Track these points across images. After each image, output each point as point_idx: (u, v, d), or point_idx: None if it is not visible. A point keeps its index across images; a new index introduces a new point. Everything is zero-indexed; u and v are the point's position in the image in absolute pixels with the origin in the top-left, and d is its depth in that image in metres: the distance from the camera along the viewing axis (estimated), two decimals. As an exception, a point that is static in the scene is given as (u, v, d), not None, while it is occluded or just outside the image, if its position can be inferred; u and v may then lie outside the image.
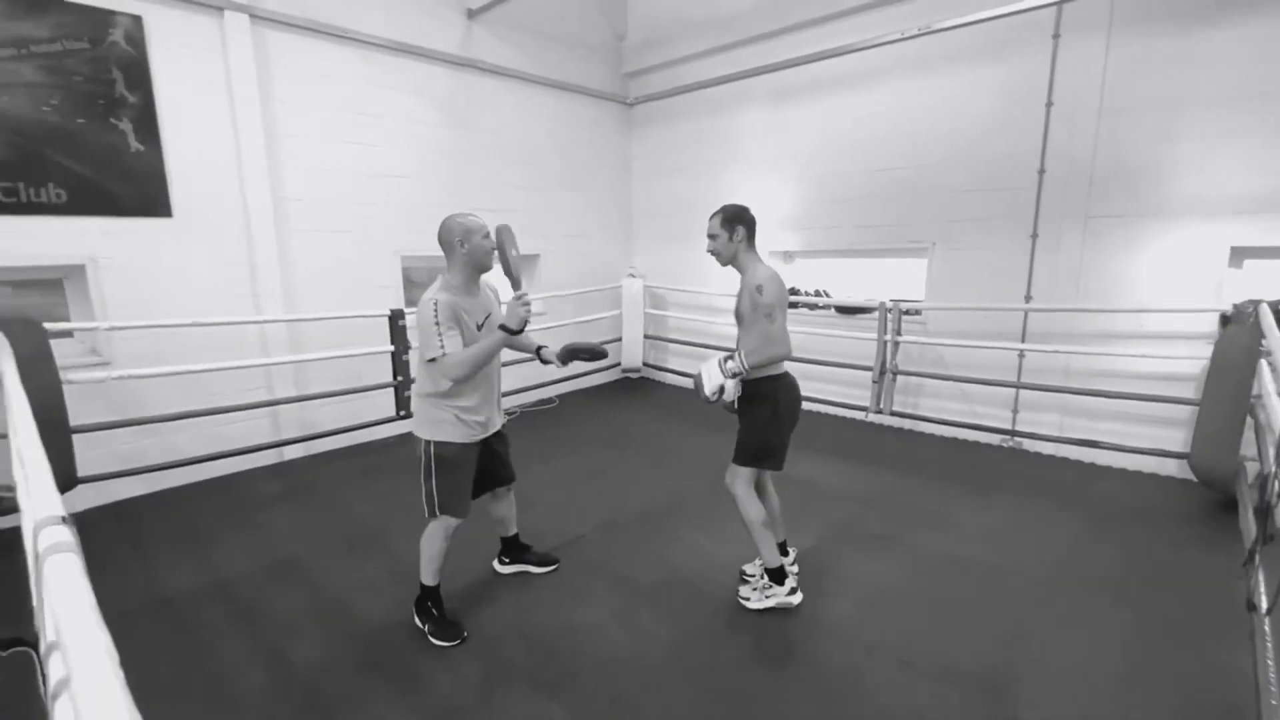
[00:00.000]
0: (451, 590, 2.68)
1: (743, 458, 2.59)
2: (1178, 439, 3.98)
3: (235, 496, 3.98)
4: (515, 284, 2.33)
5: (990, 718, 2.06)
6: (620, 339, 6.59)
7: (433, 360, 2.28)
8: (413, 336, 4.57)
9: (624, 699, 2.17)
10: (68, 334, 3.72)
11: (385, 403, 4.76)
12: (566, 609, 2.70)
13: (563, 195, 6.41)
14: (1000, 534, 3.33)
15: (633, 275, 6.62)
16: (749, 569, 2.87)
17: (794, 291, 5.75)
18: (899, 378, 4.96)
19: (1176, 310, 3.92)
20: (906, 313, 4.91)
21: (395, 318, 4.60)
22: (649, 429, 5.35)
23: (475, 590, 2.84)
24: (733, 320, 2.62)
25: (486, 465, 2.61)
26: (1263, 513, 2.23)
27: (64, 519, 0.95)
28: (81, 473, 3.37)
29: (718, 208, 2.56)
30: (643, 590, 2.84)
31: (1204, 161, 3.77)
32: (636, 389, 6.82)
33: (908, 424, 5.17)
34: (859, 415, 5.35)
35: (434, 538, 2.50)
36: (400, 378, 4.64)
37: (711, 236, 2.54)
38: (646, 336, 6.75)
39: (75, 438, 3.33)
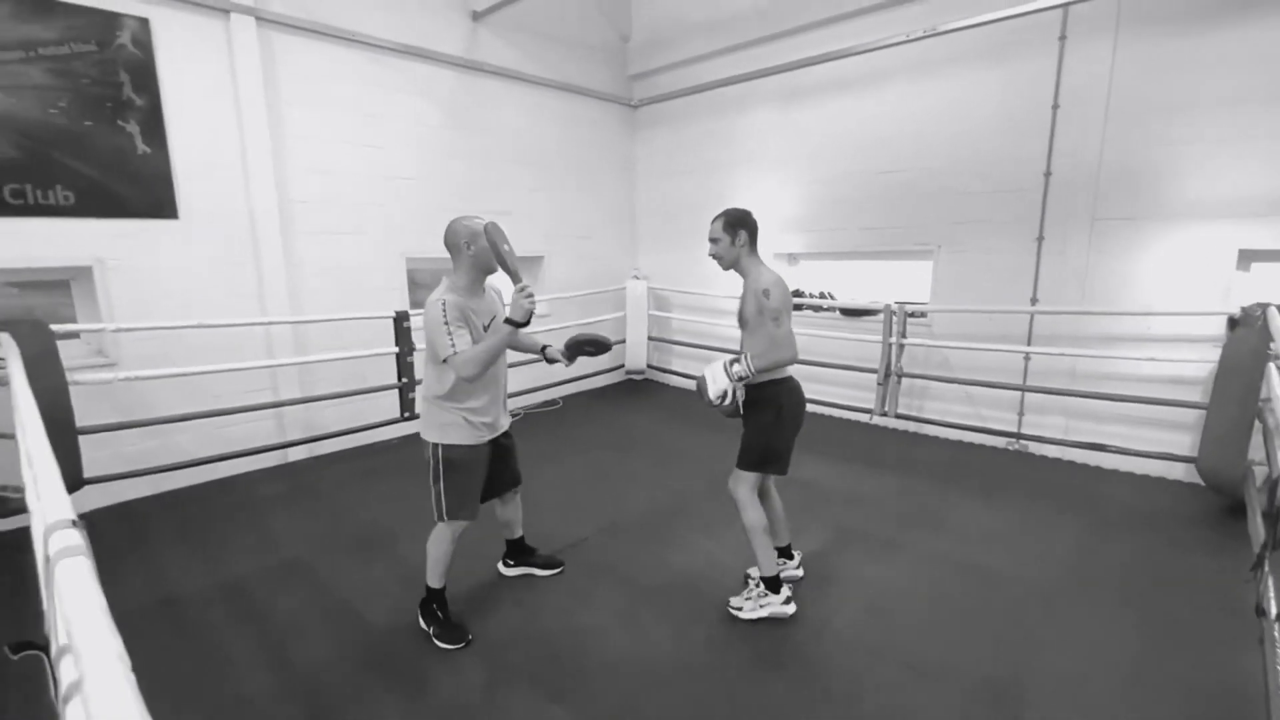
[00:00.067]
0: (456, 593, 2.68)
1: (746, 462, 2.58)
2: (1185, 443, 3.96)
3: (240, 498, 3.99)
4: (515, 278, 2.31)
5: (997, 723, 2.05)
6: (624, 341, 6.58)
7: (444, 360, 2.28)
8: (418, 338, 4.58)
9: (628, 702, 2.17)
10: (74, 335, 3.73)
11: (390, 404, 4.76)
12: (570, 612, 2.70)
13: (567, 197, 6.41)
14: (1005, 537, 3.31)
15: (637, 277, 6.63)
16: (753, 573, 2.86)
17: (798, 293, 5.74)
18: (904, 380, 4.94)
19: (1183, 313, 3.90)
20: (911, 315, 4.89)
21: (400, 319, 4.61)
22: (652, 431, 5.35)
23: (480, 593, 2.84)
24: (736, 323, 2.61)
25: (495, 468, 2.60)
26: (1271, 517, 2.21)
27: (74, 521, 0.94)
28: (88, 474, 3.39)
29: (720, 211, 2.55)
30: (646, 593, 2.83)
31: (1211, 164, 3.76)
32: (640, 391, 6.82)
33: (912, 427, 5.15)
34: (863, 418, 5.34)
35: (441, 540, 2.50)
36: (405, 379, 4.65)
37: (713, 240, 2.54)
38: (650, 338, 6.75)
39: (82, 439, 3.35)
